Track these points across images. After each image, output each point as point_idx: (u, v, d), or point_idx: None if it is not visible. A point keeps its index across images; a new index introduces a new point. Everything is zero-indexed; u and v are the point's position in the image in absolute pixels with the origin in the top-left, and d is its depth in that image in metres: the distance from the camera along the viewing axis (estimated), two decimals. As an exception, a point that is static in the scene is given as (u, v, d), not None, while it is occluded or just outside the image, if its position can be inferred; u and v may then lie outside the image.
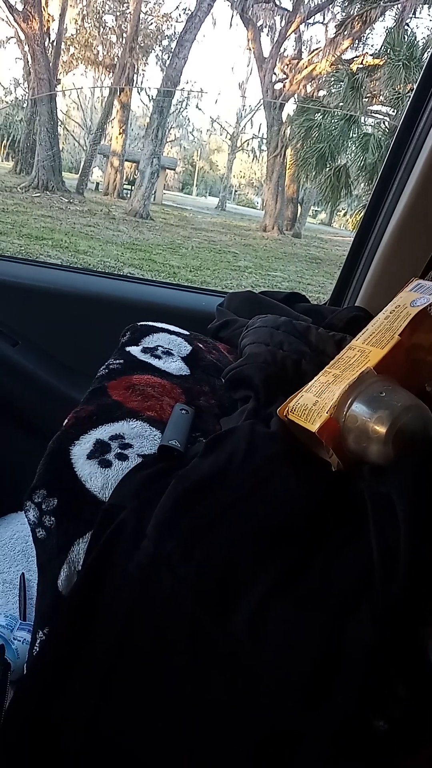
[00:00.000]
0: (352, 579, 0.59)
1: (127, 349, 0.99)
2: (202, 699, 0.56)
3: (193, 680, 0.56)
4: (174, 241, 11.29)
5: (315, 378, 0.77)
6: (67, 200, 12.43)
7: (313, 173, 11.79)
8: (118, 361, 0.94)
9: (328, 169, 11.43)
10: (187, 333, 1.09)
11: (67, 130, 19.43)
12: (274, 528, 0.63)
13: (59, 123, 15.00)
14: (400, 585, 0.55)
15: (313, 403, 0.73)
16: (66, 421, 0.80)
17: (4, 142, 16.30)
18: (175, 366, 0.96)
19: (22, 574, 1.14)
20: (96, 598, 0.63)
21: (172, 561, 0.61)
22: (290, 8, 14.39)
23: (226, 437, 0.74)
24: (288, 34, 14.53)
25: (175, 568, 0.61)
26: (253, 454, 0.71)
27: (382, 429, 0.66)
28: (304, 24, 14.51)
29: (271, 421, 0.78)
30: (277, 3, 14.62)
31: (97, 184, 17.16)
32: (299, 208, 16.11)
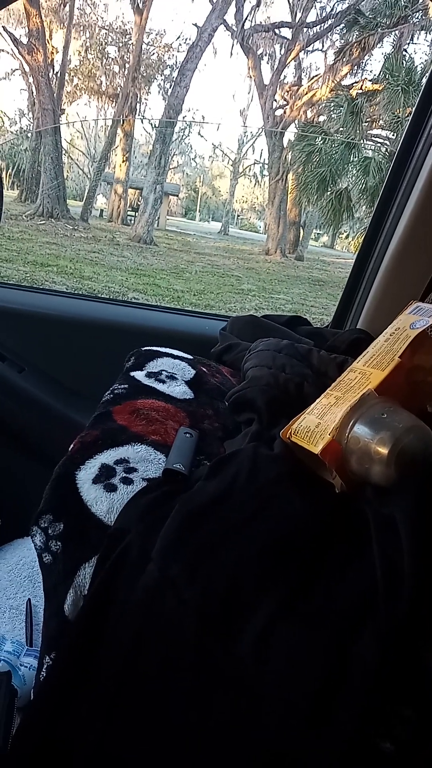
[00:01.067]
0: (355, 600, 0.59)
1: (132, 373, 1.00)
2: (206, 721, 0.56)
3: (198, 704, 0.56)
4: (178, 266, 11.39)
5: (317, 400, 0.78)
6: (71, 227, 12.59)
7: (315, 197, 11.92)
8: (122, 386, 0.95)
9: (329, 192, 11.55)
10: (191, 357, 1.10)
11: (72, 158, 19.77)
12: (277, 549, 0.64)
13: (63, 152, 15.27)
14: (403, 605, 0.55)
15: (315, 425, 0.73)
16: (71, 446, 0.81)
17: (10, 171, 16.56)
18: (179, 390, 0.97)
19: (29, 599, 1.14)
20: (102, 623, 0.64)
21: (177, 584, 0.62)
22: (289, 37, 14.69)
23: (230, 460, 0.75)
24: (288, 61, 14.81)
25: (180, 591, 0.61)
26: (256, 476, 0.71)
27: (384, 450, 0.66)
28: (303, 51, 14.81)
29: (275, 444, 0.79)
30: (277, 32, 14.93)
31: (101, 211, 17.40)
32: (301, 231, 16.27)
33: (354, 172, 11.62)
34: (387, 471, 0.67)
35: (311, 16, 14.45)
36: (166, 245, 13.75)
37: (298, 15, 14.51)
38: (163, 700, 0.58)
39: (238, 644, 0.57)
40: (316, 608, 0.59)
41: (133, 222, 14.55)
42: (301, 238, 16.14)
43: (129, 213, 15.88)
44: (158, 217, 14.42)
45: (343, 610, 0.58)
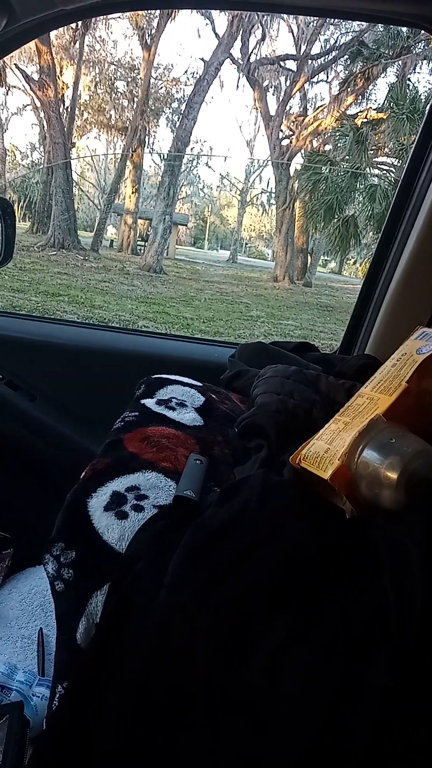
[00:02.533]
0: (366, 625, 0.59)
1: (142, 401, 1.01)
2: (216, 747, 0.56)
3: (209, 729, 0.56)
4: (187, 294, 11.49)
5: (326, 426, 0.79)
6: (82, 257, 12.78)
7: (322, 224, 12.04)
8: (133, 414, 0.96)
9: (336, 219, 11.67)
10: (200, 384, 1.11)
11: (82, 190, 20.14)
12: (289, 576, 0.64)
13: (74, 184, 15.56)
14: (415, 631, 0.55)
15: (324, 450, 0.74)
16: (83, 473, 0.82)
17: (21, 203, 16.89)
18: (189, 417, 0.98)
19: (41, 629, 1.13)
20: (114, 651, 0.64)
21: (188, 611, 0.62)
22: (294, 69, 14.99)
23: (240, 486, 0.76)
24: (293, 92, 15.10)
25: (191, 617, 0.61)
26: (266, 502, 0.72)
27: (393, 475, 0.67)
28: (308, 83, 15.10)
29: (284, 470, 0.80)
30: (282, 64, 15.25)
31: (112, 241, 17.64)
32: (309, 258, 16.39)
33: (360, 199, 11.75)
34: (397, 496, 0.67)
35: (315, 49, 14.77)
36: (176, 274, 13.90)
37: (303, 48, 14.83)
38: (174, 726, 0.58)
39: (249, 670, 0.57)
40: (327, 634, 0.59)
41: (142, 252, 14.73)
42: (309, 265, 16.26)
43: (139, 243, 16.10)
44: (167, 247, 14.60)
45: (355, 636, 0.58)
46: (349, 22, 13.73)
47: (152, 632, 0.62)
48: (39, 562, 1.31)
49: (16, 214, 1.64)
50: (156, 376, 1.11)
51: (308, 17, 13.01)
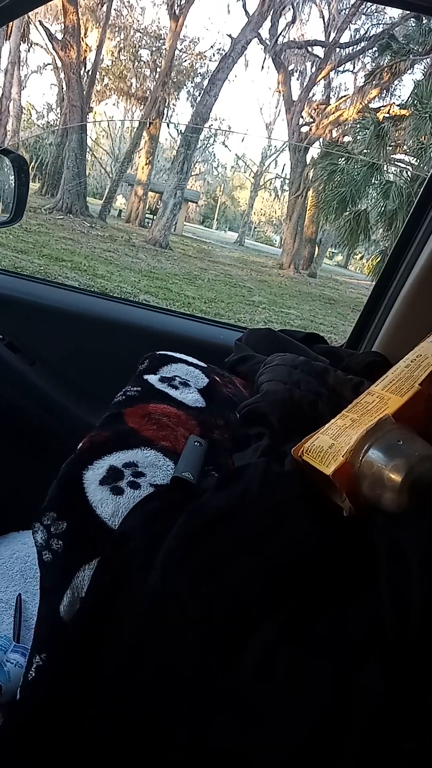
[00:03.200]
0: (361, 627, 0.58)
1: (145, 377, 0.99)
2: (202, 737, 0.55)
3: (195, 718, 0.55)
4: (191, 272, 11.42)
5: (332, 421, 0.77)
6: (89, 225, 12.65)
7: (333, 216, 11.94)
8: (135, 389, 0.95)
9: (348, 212, 11.57)
10: (205, 365, 1.09)
11: (95, 156, 19.88)
12: (285, 570, 0.63)
13: (88, 149, 15.35)
14: (411, 636, 0.54)
15: (329, 445, 0.72)
16: (80, 444, 0.80)
17: (33, 163, 16.66)
18: (191, 397, 0.96)
19: (19, 595, 1.12)
20: (100, 627, 0.63)
21: (180, 596, 0.61)
22: (322, 55, 14.80)
23: (240, 474, 0.74)
24: (318, 79, 14.92)
25: (182, 604, 0.60)
26: (266, 493, 0.70)
27: (397, 477, 0.65)
28: (334, 71, 14.91)
29: (285, 461, 0.78)
30: (309, 50, 15.04)
31: (120, 211, 17.48)
32: (317, 248, 16.31)
33: (374, 194, 11.65)
34: (399, 498, 0.66)
35: (345, 37, 14.59)
36: (181, 251, 13.79)
37: (332, 35, 14.64)
38: (158, 710, 0.57)
39: (240, 663, 0.56)
40: (321, 633, 0.58)
41: (150, 225, 14.61)
42: (315, 255, 16.18)
43: (147, 216, 15.95)
44: (176, 222, 14.48)
45: (348, 638, 0.57)
46: (382, 12, 13.53)
47: (141, 614, 0.61)
48: (22, 528, 1.31)
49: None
50: (161, 352, 1.09)
51: (342, 2, 12.83)
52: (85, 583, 0.66)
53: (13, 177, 1.58)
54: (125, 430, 0.83)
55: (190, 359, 1.09)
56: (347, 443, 0.71)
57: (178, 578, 0.62)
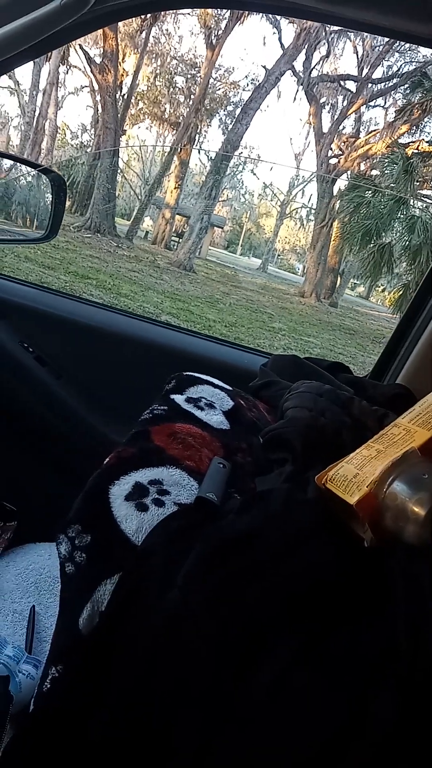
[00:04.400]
0: (375, 656, 0.58)
1: (172, 396, 1.00)
2: (210, 753, 0.55)
3: (205, 734, 0.55)
4: (213, 296, 11.50)
5: (357, 451, 0.78)
6: (116, 244, 12.83)
7: (357, 247, 11.99)
8: (162, 407, 0.96)
9: (372, 245, 11.62)
10: (230, 388, 1.10)
11: (125, 178, 20.25)
12: (301, 596, 0.63)
13: (118, 171, 15.64)
14: (425, 668, 0.54)
15: (353, 475, 0.73)
16: (107, 459, 0.81)
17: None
18: (216, 419, 0.97)
19: (33, 606, 1.13)
20: (117, 643, 0.63)
21: (197, 614, 0.61)
22: (354, 90, 15.01)
23: (263, 498, 0.75)
24: (349, 113, 15.11)
25: (199, 622, 0.61)
26: (288, 519, 0.71)
27: (421, 511, 0.66)
28: (365, 106, 15.10)
29: (308, 488, 0.79)
30: (342, 83, 15.26)
31: (147, 232, 17.72)
32: (339, 278, 16.36)
33: (399, 228, 11.69)
34: (421, 532, 0.66)
35: (377, 73, 14.80)
36: (205, 274, 13.92)
37: (365, 70, 14.86)
38: (171, 725, 0.57)
39: (253, 682, 0.56)
40: (335, 659, 0.58)
41: (175, 247, 14.79)
42: (337, 285, 16.23)
43: (173, 238, 16.16)
44: (201, 246, 14.64)
45: (362, 665, 0.57)
46: (416, 51, 13.71)
47: (159, 630, 0.62)
48: (40, 539, 1.32)
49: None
50: (187, 373, 1.10)
51: (376, 39, 13.03)
52: (105, 597, 0.67)
53: (50, 195, 1.62)
54: (151, 447, 0.84)
55: (215, 381, 1.10)
56: (372, 474, 0.71)
57: (197, 597, 0.62)
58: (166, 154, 15.68)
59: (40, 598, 1.15)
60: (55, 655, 0.69)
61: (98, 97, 14.73)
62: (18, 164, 1.90)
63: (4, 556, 1.26)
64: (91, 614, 0.67)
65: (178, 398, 1.00)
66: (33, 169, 1.92)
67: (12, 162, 1.86)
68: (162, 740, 0.57)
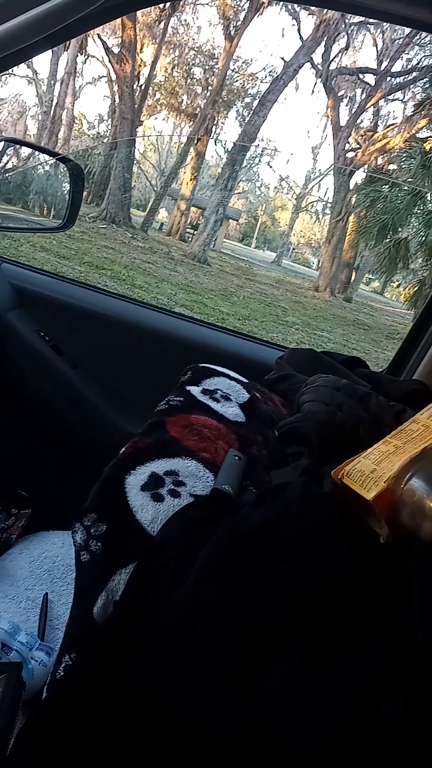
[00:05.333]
0: (389, 656, 0.57)
1: (188, 388, 1.00)
2: (219, 748, 0.55)
3: (215, 729, 0.55)
4: (227, 289, 11.47)
5: (374, 446, 0.77)
6: (131, 235, 12.83)
7: (373, 242, 11.90)
8: (178, 398, 0.96)
9: (388, 240, 11.53)
10: (246, 381, 1.10)
11: (141, 169, 20.22)
12: (315, 593, 0.63)
13: (135, 162, 15.62)
14: None
15: (370, 470, 0.72)
16: (123, 449, 0.81)
17: (80, 172, 16.93)
18: (231, 411, 0.97)
19: (45, 594, 1.13)
20: (131, 632, 0.63)
21: (210, 608, 0.61)
22: (372, 83, 14.86)
23: (279, 492, 0.74)
24: (367, 106, 14.97)
25: (213, 616, 0.60)
26: (304, 513, 0.70)
27: (439, 507, 0.65)
28: (383, 99, 14.94)
29: (324, 482, 0.78)
30: (361, 76, 15.12)
31: (162, 224, 17.70)
32: (354, 273, 16.26)
33: (416, 223, 11.59)
34: (439, 529, 0.65)
35: (397, 66, 14.62)
36: (219, 267, 13.88)
37: (384, 63, 14.70)
38: (180, 721, 0.57)
39: (265, 684, 0.56)
40: (349, 660, 0.57)
41: (190, 239, 14.76)
42: (352, 280, 16.13)
43: (188, 230, 16.13)
44: (215, 239, 14.60)
45: (375, 666, 0.57)
46: (437, 44, 13.54)
47: (171, 621, 0.61)
48: (53, 527, 1.32)
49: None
50: (203, 365, 1.10)
51: (396, 31, 12.88)
52: (120, 586, 0.67)
53: (68, 184, 1.62)
54: (167, 438, 0.84)
55: (231, 374, 1.10)
56: (389, 469, 0.70)
57: (210, 591, 0.62)
58: (182, 145, 15.63)
59: (52, 586, 1.16)
60: (69, 643, 0.69)
61: (116, 88, 14.70)
62: (36, 153, 1.90)
63: (18, 544, 1.27)
64: (106, 603, 0.67)
65: (194, 390, 1.00)
66: (51, 158, 1.92)
67: (30, 150, 1.85)
68: (172, 735, 0.56)
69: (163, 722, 0.57)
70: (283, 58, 13.53)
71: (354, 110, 15.33)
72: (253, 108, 13.89)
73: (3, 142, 1.59)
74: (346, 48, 14.87)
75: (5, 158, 1.77)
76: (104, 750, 0.60)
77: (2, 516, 1.28)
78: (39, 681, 0.91)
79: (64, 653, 0.69)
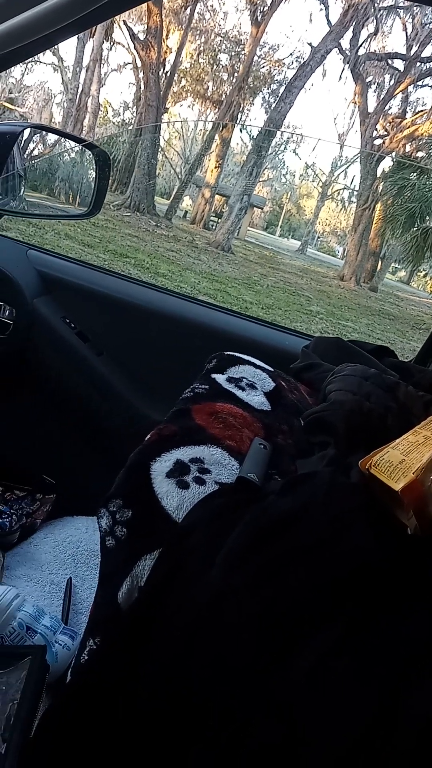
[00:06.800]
0: (415, 648, 0.57)
1: (213, 375, 1.00)
2: (245, 731, 0.54)
3: (241, 713, 0.55)
4: (250, 277, 11.43)
5: (403, 436, 0.75)
6: (155, 223, 12.83)
7: (400, 231, 11.75)
8: (203, 386, 0.95)
9: (415, 228, 11.37)
10: (271, 369, 1.09)
11: (166, 157, 20.18)
12: (343, 581, 0.62)
13: (159, 150, 15.58)
14: None
15: (399, 461, 0.71)
16: (148, 436, 0.81)
17: (105, 160, 16.97)
18: (257, 400, 0.96)
19: (69, 578, 1.14)
20: (156, 618, 0.63)
21: (238, 595, 0.61)
22: (401, 69, 14.60)
23: (306, 481, 0.74)
24: (395, 93, 14.73)
25: (241, 602, 0.60)
26: (331, 502, 0.70)
27: (469, 500, 0.64)
28: (412, 85, 14.67)
29: (351, 472, 0.77)
30: (389, 62, 14.86)
31: (186, 212, 17.67)
32: (380, 262, 16.08)
33: (444, 212, 11.41)
34: (468, 522, 0.64)
35: (426, 52, 14.34)
36: (243, 255, 13.83)
37: (414, 48, 14.43)
38: (209, 701, 0.57)
39: (293, 668, 0.56)
40: (372, 648, 0.57)
41: (214, 227, 14.71)
42: (378, 270, 15.95)
43: (212, 218, 16.08)
44: (240, 227, 14.52)
45: (402, 656, 0.56)
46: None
47: (198, 607, 0.61)
48: (77, 513, 1.34)
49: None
50: (229, 353, 1.09)
51: (427, 15, 12.61)
52: (145, 572, 0.67)
53: (94, 171, 1.62)
54: (192, 426, 0.83)
55: (257, 362, 1.09)
56: (419, 460, 0.69)
57: (239, 577, 0.62)
58: (207, 132, 15.54)
59: (76, 570, 1.17)
60: (94, 628, 0.69)
61: (141, 75, 14.65)
62: (62, 139, 1.90)
63: (43, 528, 1.28)
64: (130, 589, 0.67)
65: (220, 378, 0.99)
66: (77, 144, 1.92)
67: (56, 137, 1.85)
68: (199, 716, 0.56)
69: (193, 700, 0.57)
70: (310, 44, 13.36)
71: (382, 96, 15.09)
72: (280, 94, 13.74)
73: (29, 129, 1.59)
74: (375, 33, 14.62)
75: (32, 145, 1.78)
76: (127, 732, 0.61)
77: (27, 501, 1.29)
78: (62, 664, 0.92)
79: (89, 637, 0.69)
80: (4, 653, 0.88)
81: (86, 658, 0.68)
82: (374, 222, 14.39)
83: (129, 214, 12.84)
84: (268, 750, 0.53)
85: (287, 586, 0.60)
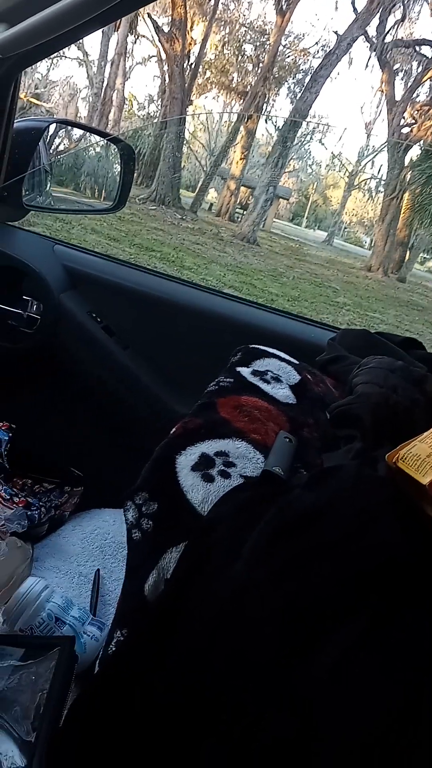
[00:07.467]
0: None
1: (238, 369, 0.99)
2: (260, 725, 0.55)
3: (258, 707, 0.55)
4: (276, 269, 11.37)
5: (430, 429, 0.75)
6: (180, 216, 12.83)
7: (429, 220, 11.55)
8: (228, 380, 0.95)
9: (445, 218, 11.16)
10: (297, 362, 1.08)
11: (191, 149, 20.14)
12: (368, 575, 0.61)
13: (185, 142, 15.56)
14: None
15: (427, 454, 0.70)
16: (174, 430, 0.82)
17: (130, 154, 17.01)
18: (282, 393, 0.96)
19: (98, 570, 1.16)
20: (182, 610, 0.64)
21: (262, 588, 0.61)
22: (429, 55, 14.32)
23: (332, 474, 0.73)
24: (423, 80, 14.45)
25: (264, 596, 0.60)
26: (358, 496, 0.69)
27: None
28: (441, 72, 14.37)
29: (378, 466, 0.76)
30: (417, 49, 14.58)
31: (211, 204, 17.63)
32: (408, 252, 15.84)
33: (474, 200, 11.19)
34: None
35: (456, 36, 14.03)
36: (269, 247, 13.76)
37: (443, 33, 14.11)
38: (223, 695, 0.57)
39: (316, 663, 0.55)
40: (396, 643, 0.56)
41: (240, 219, 14.66)
42: (406, 260, 15.72)
43: (237, 210, 16.02)
44: (265, 219, 14.45)
45: (427, 650, 0.56)
46: None
47: (222, 600, 0.62)
48: (104, 505, 1.35)
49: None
50: (253, 346, 1.09)
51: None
52: (171, 564, 0.67)
53: (119, 165, 1.62)
54: (217, 419, 0.83)
55: (282, 355, 1.09)
56: (447, 454, 0.68)
57: (263, 571, 0.62)
58: (232, 123, 15.46)
59: (104, 562, 1.18)
60: (121, 619, 0.70)
61: (166, 67, 14.62)
62: (87, 134, 1.91)
63: (71, 521, 1.30)
64: (157, 581, 0.68)
65: (244, 371, 0.99)
66: (102, 139, 1.92)
67: (81, 132, 1.86)
68: (212, 710, 0.57)
69: (206, 695, 0.58)
70: (336, 32, 13.16)
71: (410, 84, 14.83)
72: (305, 84, 13.58)
73: (55, 124, 1.60)
74: (402, 19, 14.35)
75: (57, 140, 1.79)
76: (148, 723, 0.61)
77: (56, 493, 1.31)
78: (91, 655, 0.93)
79: (116, 629, 0.70)
80: (33, 644, 0.89)
81: (113, 649, 0.69)
82: (402, 211, 14.18)
83: (154, 207, 12.86)
84: (280, 744, 0.54)
85: (311, 580, 0.60)
